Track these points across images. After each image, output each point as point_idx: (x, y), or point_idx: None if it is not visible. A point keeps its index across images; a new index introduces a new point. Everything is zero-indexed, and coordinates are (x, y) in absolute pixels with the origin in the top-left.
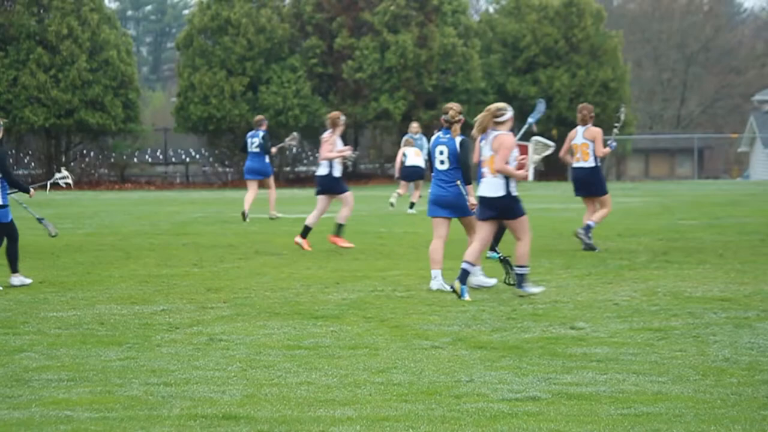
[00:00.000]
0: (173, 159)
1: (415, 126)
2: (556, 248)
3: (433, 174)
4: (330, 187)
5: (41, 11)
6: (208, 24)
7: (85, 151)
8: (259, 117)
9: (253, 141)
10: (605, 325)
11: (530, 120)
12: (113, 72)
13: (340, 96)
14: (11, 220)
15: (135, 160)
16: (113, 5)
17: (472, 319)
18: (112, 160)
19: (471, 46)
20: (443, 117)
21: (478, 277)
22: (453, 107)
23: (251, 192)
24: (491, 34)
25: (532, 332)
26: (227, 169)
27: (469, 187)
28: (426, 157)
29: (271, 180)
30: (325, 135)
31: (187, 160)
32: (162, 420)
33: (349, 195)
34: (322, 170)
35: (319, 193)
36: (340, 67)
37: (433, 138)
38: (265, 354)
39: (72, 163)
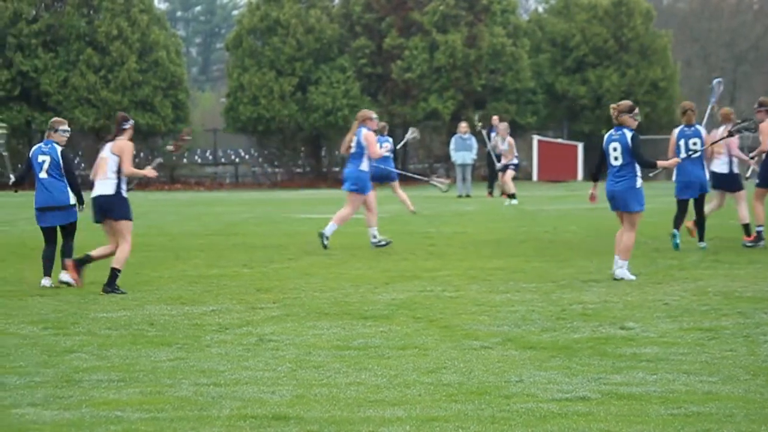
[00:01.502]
0: (222, 159)
1: (463, 126)
2: (604, 249)
3: (608, 171)
4: (730, 182)
5: (91, 12)
6: (257, 24)
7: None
8: (382, 124)
9: (383, 146)
10: (655, 325)
11: (712, 100)
12: (163, 73)
13: (389, 96)
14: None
15: (184, 160)
16: (163, 6)
17: (521, 320)
18: (162, 160)
19: (520, 45)
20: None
21: (622, 270)
22: (614, 106)
23: (400, 192)
24: (540, 34)
25: (582, 332)
26: (276, 170)
27: (661, 163)
28: (475, 156)
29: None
30: (717, 132)
31: (237, 160)
32: (212, 420)
33: (743, 193)
34: (721, 167)
35: (714, 187)
36: (389, 67)
37: (606, 136)
38: (314, 354)
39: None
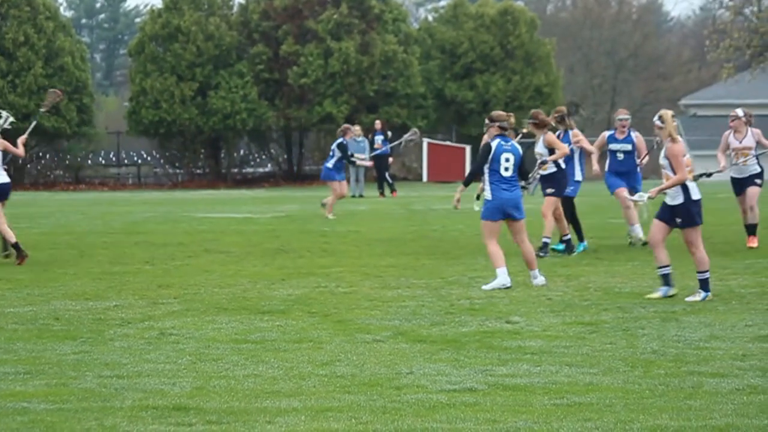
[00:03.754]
0: (126, 161)
1: (357, 129)
2: None
3: (493, 179)
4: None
5: None
6: (159, 32)
7: (41, 154)
8: (344, 126)
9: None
10: (539, 320)
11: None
12: (68, 78)
13: (285, 101)
14: None
15: (89, 162)
16: (68, 14)
17: (412, 314)
18: (67, 162)
19: (411, 52)
20: (499, 124)
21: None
22: (503, 115)
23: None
24: (430, 42)
25: (470, 326)
26: (177, 171)
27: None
28: (368, 157)
29: (335, 184)
30: None
31: (139, 162)
32: (115, 411)
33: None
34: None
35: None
36: (286, 72)
37: (495, 144)
38: (213, 348)
39: (29, 165)
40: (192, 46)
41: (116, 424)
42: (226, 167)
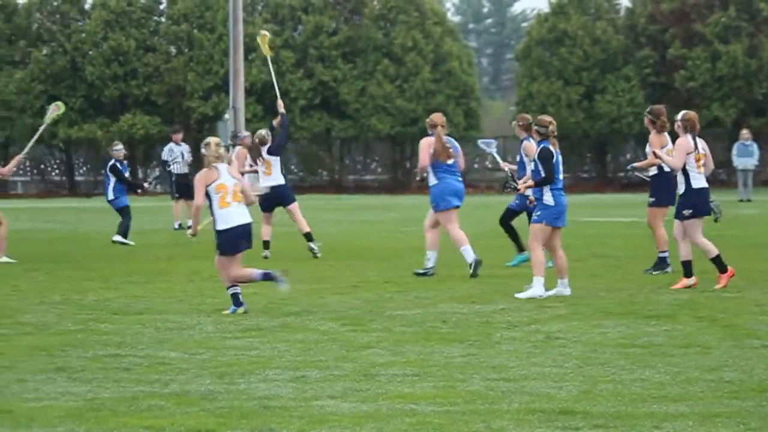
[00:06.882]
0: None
1: (745, 133)
2: None
3: (553, 185)
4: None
5: (387, 25)
6: (545, 36)
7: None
8: None
9: None
10: None
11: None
12: (455, 82)
13: (672, 104)
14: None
15: (475, 166)
16: (455, 19)
17: None
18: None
19: None
20: (538, 128)
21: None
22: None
23: None
24: None
25: None
26: (564, 175)
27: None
28: (756, 162)
29: None
30: None
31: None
32: (501, 414)
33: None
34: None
35: None
36: (673, 76)
37: (551, 149)
38: (600, 352)
39: (415, 170)
40: (579, 50)
41: (503, 427)
42: (612, 171)
